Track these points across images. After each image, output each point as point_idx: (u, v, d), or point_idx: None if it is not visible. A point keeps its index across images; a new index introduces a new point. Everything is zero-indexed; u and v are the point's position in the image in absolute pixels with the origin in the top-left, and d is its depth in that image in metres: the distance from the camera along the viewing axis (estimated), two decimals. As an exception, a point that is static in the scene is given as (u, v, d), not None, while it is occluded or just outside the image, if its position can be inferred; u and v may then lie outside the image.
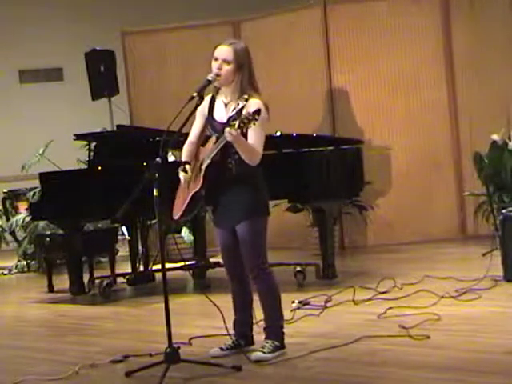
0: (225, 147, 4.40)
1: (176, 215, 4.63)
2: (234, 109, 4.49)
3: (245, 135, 4.38)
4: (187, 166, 4.57)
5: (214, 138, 4.52)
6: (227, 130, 4.26)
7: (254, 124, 4.22)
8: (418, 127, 9.43)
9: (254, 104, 4.41)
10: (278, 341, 4.59)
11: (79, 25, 13.02)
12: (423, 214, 9.40)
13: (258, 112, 4.22)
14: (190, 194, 4.52)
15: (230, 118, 4.49)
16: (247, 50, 4.54)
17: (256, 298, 4.67)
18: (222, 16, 10.45)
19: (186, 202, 4.55)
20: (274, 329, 4.61)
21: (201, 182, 4.48)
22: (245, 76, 4.49)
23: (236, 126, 4.21)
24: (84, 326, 6.15)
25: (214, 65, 4.49)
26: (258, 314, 4.74)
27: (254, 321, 4.78)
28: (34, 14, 13.08)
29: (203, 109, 4.64)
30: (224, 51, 4.49)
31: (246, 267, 4.61)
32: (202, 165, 4.52)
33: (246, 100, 4.45)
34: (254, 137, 4.40)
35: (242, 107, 4.45)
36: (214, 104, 4.63)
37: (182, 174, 4.60)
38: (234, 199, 4.50)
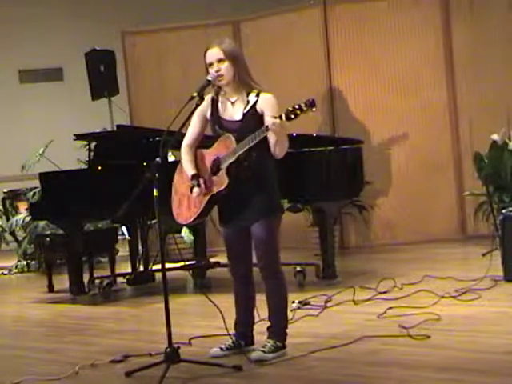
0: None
1: (188, 219, 4.59)
2: (247, 105, 4.47)
3: (259, 125, 4.37)
4: (200, 180, 4.50)
5: (231, 138, 4.43)
6: (276, 121, 4.22)
7: (308, 113, 4.16)
8: (418, 127, 9.43)
9: (267, 99, 4.45)
10: (280, 341, 4.58)
11: (79, 25, 13.03)
12: (423, 214, 9.40)
13: (313, 103, 4.19)
14: (209, 195, 4.47)
15: (245, 114, 4.47)
16: (235, 45, 4.62)
17: (259, 298, 4.67)
18: (222, 16, 10.45)
19: (203, 204, 4.50)
20: (278, 329, 4.60)
21: (226, 181, 4.40)
22: (241, 69, 4.50)
23: (283, 117, 4.18)
24: (84, 326, 6.15)
25: (212, 70, 4.50)
26: (262, 313, 4.74)
27: (256, 320, 4.77)
28: (34, 14, 13.09)
29: (203, 111, 4.61)
30: (214, 53, 4.50)
31: (260, 265, 4.57)
32: (220, 164, 4.46)
33: (257, 95, 4.46)
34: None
35: (255, 102, 4.45)
36: (216, 104, 4.61)
37: (196, 189, 4.49)
38: (249, 197, 4.47)
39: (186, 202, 4.60)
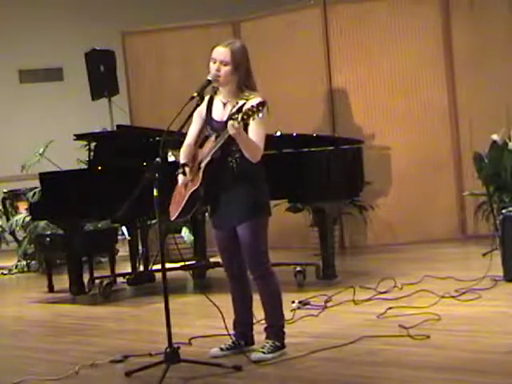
0: (226, 145, 4.40)
1: (173, 216, 4.62)
2: (234, 107, 4.49)
3: (246, 132, 4.38)
4: (186, 169, 4.56)
5: (213, 138, 4.51)
6: (230, 122, 4.24)
7: (258, 116, 4.19)
8: (418, 127, 9.44)
9: (255, 100, 4.43)
10: (279, 341, 4.58)
11: (79, 25, 13.04)
12: (423, 214, 9.40)
13: (262, 104, 4.20)
14: (188, 193, 4.51)
15: (230, 115, 4.49)
16: (244, 49, 4.53)
17: (256, 298, 4.67)
18: (222, 16, 10.45)
19: (184, 201, 4.54)
20: (275, 329, 4.61)
21: (200, 179, 4.47)
22: (242, 75, 4.49)
23: (239, 118, 4.20)
24: (84, 326, 6.15)
25: (213, 67, 4.49)
26: (259, 313, 4.74)
27: (254, 320, 4.78)
28: (34, 14, 13.10)
29: (201, 110, 4.63)
30: (221, 53, 4.48)
31: (248, 267, 4.60)
32: (200, 163, 4.51)
33: (246, 99, 4.46)
34: (255, 132, 4.38)
35: (243, 105, 4.45)
36: (212, 105, 4.63)
37: (180, 177, 4.59)
38: (234, 199, 4.49)
39: (177, 199, 4.64)
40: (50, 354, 5.23)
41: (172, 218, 4.63)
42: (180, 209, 4.56)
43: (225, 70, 4.47)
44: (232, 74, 4.47)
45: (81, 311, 6.81)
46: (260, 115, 4.21)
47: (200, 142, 4.69)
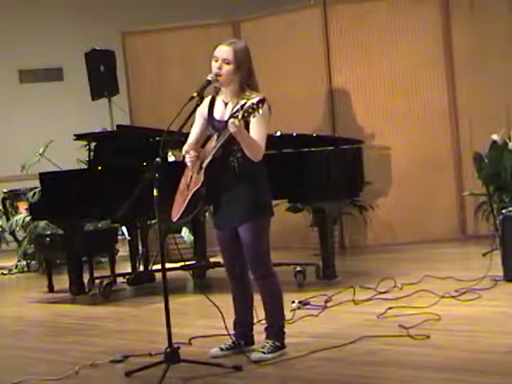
0: (227, 144, 4.39)
1: (175, 216, 4.62)
2: (235, 106, 4.48)
3: (248, 131, 4.38)
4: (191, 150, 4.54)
5: (215, 137, 4.51)
6: (230, 120, 4.23)
7: (258, 113, 4.19)
8: (418, 127, 9.44)
9: (255, 99, 4.42)
10: (279, 341, 4.58)
11: (79, 25, 13.04)
12: (423, 214, 9.40)
13: (261, 101, 4.20)
14: (191, 193, 4.51)
15: (231, 114, 4.48)
16: (247, 49, 4.53)
17: (257, 298, 4.67)
18: (222, 16, 10.45)
19: (186, 201, 4.54)
20: (275, 329, 4.60)
21: (201, 179, 4.46)
22: (244, 75, 4.49)
23: (240, 116, 4.19)
24: (84, 326, 6.15)
25: (214, 65, 4.49)
26: (260, 313, 4.74)
27: (254, 320, 4.78)
28: (34, 14, 13.10)
29: (203, 111, 4.63)
30: (224, 51, 4.48)
31: (249, 268, 4.59)
32: (202, 163, 4.51)
33: (248, 99, 4.45)
34: (257, 131, 4.37)
35: (244, 104, 4.44)
36: (213, 104, 4.62)
37: (187, 156, 4.53)
38: (235, 199, 4.48)
39: (180, 200, 4.63)
40: (50, 354, 5.23)
41: (174, 219, 4.62)
42: (182, 209, 4.55)
43: (226, 68, 4.46)
44: (234, 73, 4.47)
45: (81, 311, 6.81)
46: (260, 112, 4.21)
47: (203, 142, 4.70)
